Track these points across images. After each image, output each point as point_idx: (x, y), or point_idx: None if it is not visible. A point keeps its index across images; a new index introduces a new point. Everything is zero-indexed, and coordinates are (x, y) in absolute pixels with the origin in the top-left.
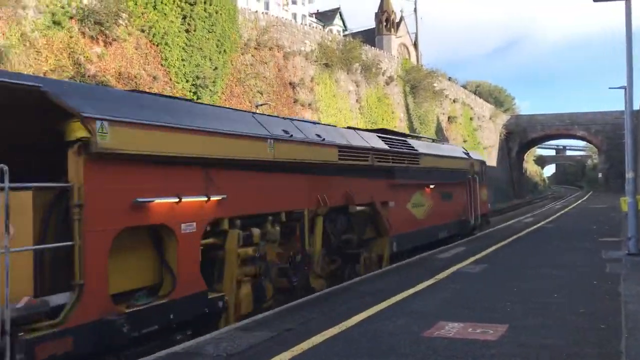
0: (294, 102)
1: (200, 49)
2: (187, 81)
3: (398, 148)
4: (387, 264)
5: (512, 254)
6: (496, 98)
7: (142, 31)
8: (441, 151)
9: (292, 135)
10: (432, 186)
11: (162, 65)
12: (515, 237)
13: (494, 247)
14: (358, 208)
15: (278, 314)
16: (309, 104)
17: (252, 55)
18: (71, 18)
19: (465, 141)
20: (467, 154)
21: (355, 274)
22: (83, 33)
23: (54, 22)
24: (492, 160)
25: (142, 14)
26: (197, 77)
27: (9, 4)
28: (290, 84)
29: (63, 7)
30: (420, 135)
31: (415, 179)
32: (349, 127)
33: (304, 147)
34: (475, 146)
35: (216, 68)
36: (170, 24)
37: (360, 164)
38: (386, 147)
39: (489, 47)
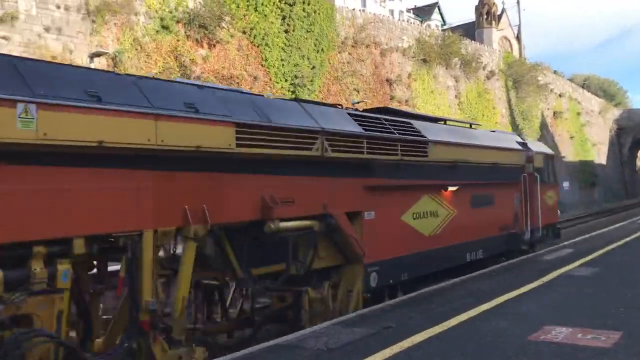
0: (391, 98)
1: (299, 48)
2: (285, 80)
3: (382, 131)
4: (357, 305)
5: (626, 257)
6: (606, 92)
7: (244, 33)
8: (473, 139)
9: (101, 99)
10: (453, 188)
11: (262, 65)
12: (628, 239)
13: (604, 250)
14: (287, 224)
15: (377, 312)
16: (406, 101)
17: (349, 53)
18: (178, 22)
19: (572, 137)
20: (524, 144)
21: (300, 323)
22: (188, 36)
23: (163, 27)
24: (601, 157)
25: (244, 16)
26: (296, 77)
27: (122, 11)
28: (387, 80)
29: (171, 12)
30: (448, 117)
31: (421, 177)
32: (295, 99)
33: (132, 121)
34: (583, 143)
35: (314, 67)
36: (270, 25)
37: (294, 154)
38: (357, 129)
39: (599, 39)
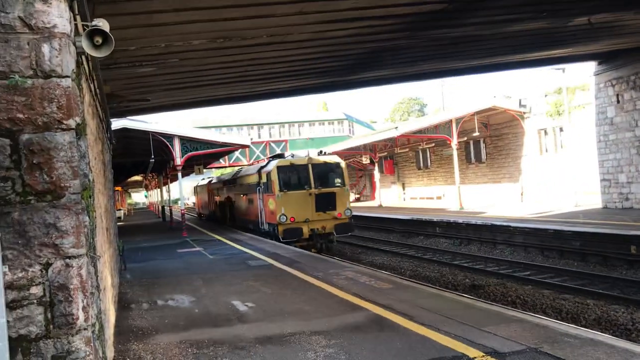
0: None
1: None
2: None
3: (234, 176)
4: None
5: None
6: None
7: None
8: (243, 172)
9: None
10: (241, 195)
11: None
12: None
13: None
14: None
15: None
16: None
17: None
18: None
19: None
20: (263, 166)
21: None
22: None
23: None
24: None
25: None
26: None
27: None
28: None
29: None
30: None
31: (239, 191)
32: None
33: None
34: None
35: None
36: None
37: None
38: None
39: None
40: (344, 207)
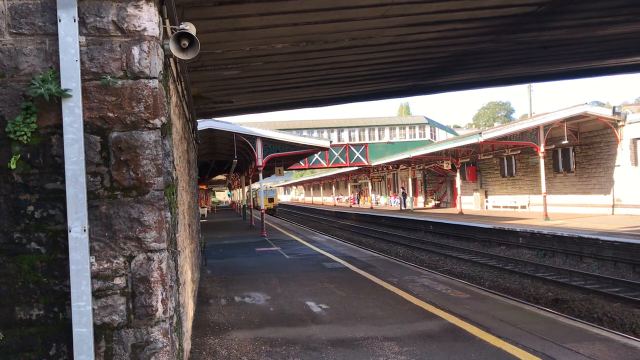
0: None
1: None
2: None
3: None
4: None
5: None
6: None
7: None
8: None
9: None
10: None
11: None
12: None
13: None
14: None
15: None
16: None
17: None
18: None
19: None
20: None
21: None
22: None
23: None
24: None
25: None
26: None
27: None
28: None
29: None
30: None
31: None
32: None
33: None
34: None
35: None
36: None
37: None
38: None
39: None
40: (276, 201)
